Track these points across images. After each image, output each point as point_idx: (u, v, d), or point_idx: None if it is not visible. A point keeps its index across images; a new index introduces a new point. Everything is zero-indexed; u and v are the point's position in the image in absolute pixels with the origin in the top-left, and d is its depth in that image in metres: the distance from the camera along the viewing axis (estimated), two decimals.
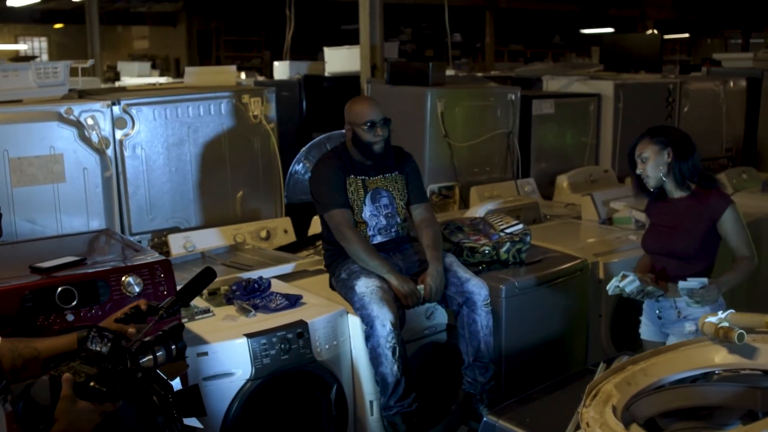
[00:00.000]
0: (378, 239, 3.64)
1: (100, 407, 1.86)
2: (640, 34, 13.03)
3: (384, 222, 3.65)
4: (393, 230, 3.68)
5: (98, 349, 1.92)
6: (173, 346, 1.99)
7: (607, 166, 5.99)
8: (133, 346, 1.94)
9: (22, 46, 16.94)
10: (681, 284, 3.08)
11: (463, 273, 3.57)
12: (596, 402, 2.05)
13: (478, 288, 3.52)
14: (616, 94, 5.95)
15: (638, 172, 3.28)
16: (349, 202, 3.60)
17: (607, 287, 3.20)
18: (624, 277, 3.15)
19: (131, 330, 2.04)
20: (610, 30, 15.29)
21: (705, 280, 3.06)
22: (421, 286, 3.47)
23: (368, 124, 3.57)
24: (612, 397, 2.06)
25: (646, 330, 3.43)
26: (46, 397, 1.89)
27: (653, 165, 3.22)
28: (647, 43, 9.33)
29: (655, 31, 13.91)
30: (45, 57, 16.82)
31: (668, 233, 3.28)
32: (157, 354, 1.96)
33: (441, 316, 3.66)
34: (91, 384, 1.84)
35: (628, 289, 3.14)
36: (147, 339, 1.97)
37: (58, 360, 1.98)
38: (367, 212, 3.62)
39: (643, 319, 3.45)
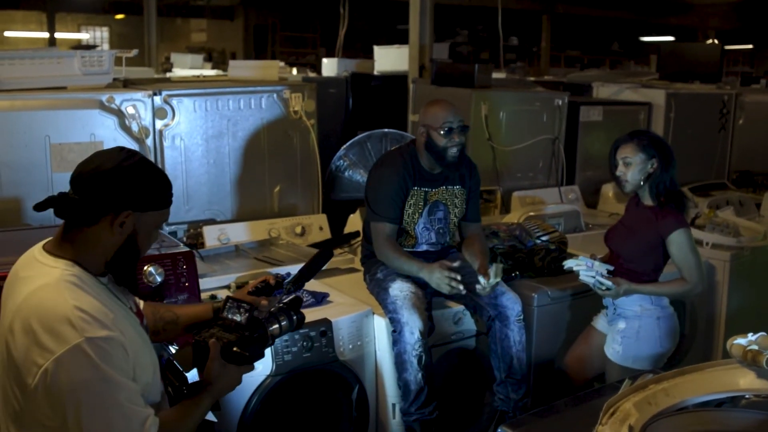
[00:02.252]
0: (423, 248, 3.59)
1: (241, 369, 2.07)
2: (700, 44, 12.73)
3: (434, 238, 3.58)
4: (440, 245, 3.62)
5: (236, 318, 2.10)
6: (294, 317, 2.20)
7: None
8: (263, 315, 2.14)
9: (84, 36, 17.30)
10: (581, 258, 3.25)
11: (499, 286, 3.47)
12: (613, 420, 1.99)
13: (511, 303, 3.44)
14: (668, 104, 5.81)
15: (618, 174, 3.30)
16: (405, 214, 3.51)
17: (564, 263, 3.31)
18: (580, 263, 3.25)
19: (264, 302, 2.22)
20: (670, 39, 14.98)
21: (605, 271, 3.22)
22: (482, 278, 3.29)
23: (446, 128, 3.41)
24: (630, 417, 1.99)
25: (597, 318, 3.53)
26: (188, 364, 2.08)
27: (635, 171, 3.24)
28: (707, 53, 9.09)
29: (716, 41, 13.58)
30: (106, 46, 17.14)
31: (623, 234, 3.37)
32: (282, 323, 2.17)
33: (469, 322, 3.60)
34: (234, 349, 2.03)
35: (581, 279, 3.25)
36: (272, 310, 2.19)
37: (196, 327, 2.22)
38: (420, 225, 3.54)
39: (603, 310, 3.52)
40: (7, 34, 16.07)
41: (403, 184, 3.47)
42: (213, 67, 9.98)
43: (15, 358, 1.81)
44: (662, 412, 2.05)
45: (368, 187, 3.59)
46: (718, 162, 6.24)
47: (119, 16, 16.91)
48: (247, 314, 2.10)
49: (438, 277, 3.29)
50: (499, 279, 3.30)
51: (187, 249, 2.96)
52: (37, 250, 1.97)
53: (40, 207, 1.90)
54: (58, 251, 1.93)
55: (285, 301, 2.25)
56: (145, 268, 2.77)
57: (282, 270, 3.62)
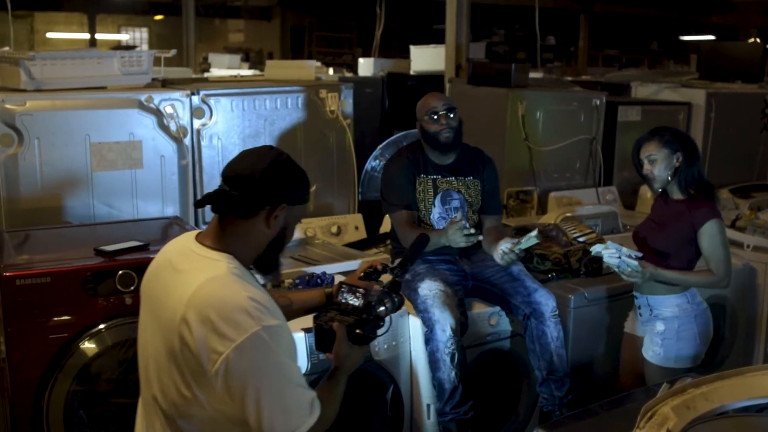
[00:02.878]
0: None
1: (363, 350, 2.19)
2: (741, 43, 12.51)
3: None
4: None
5: (352, 302, 2.22)
6: (395, 299, 2.29)
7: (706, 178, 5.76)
8: (373, 299, 2.23)
9: (124, 36, 17.51)
10: (610, 243, 3.18)
11: (531, 283, 3.48)
12: (651, 424, 1.96)
13: (545, 299, 3.42)
14: (708, 104, 5.71)
15: (645, 173, 3.29)
16: (417, 202, 3.55)
17: (591, 248, 3.25)
18: (608, 248, 3.18)
19: (376, 286, 2.30)
20: (711, 37, 14.76)
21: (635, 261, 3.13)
22: (510, 241, 3.33)
23: (430, 113, 3.53)
24: (668, 421, 1.96)
25: (629, 323, 3.49)
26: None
27: (661, 167, 3.23)
28: (748, 52, 8.91)
29: (758, 40, 13.34)
30: (145, 47, 17.33)
31: (654, 229, 3.34)
32: (387, 306, 2.26)
33: (505, 322, 3.57)
34: (357, 331, 2.15)
35: (606, 261, 3.18)
36: (379, 293, 2.28)
37: (311, 312, 2.37)
38: (435, 214, 3.56)
39: (630, 312, 3.47)
40: (49, 35, 16.34)
41: (408, 172, 3.55)
42: (250, 67, 10.05)
43: (192, 347, 1.89)
44: (701, 417, 2.02)
45: (381, 186, 3.67)
46: (760, 163, 6.13)
47: (158, 17, 17.09)
48: (363, 298, 2.22)
49: (451, 233, 3.30)
50: (528, 245, 3.28)
51: None
52: (191, 243, 2.06)
53: (199, 204, 2.04)
54: (217, 245, 2.03)
55: (387, 284, 2.37)
56: None
57: (318, 269, 3.63)
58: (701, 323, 3.27)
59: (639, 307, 3.35)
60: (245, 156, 2.09)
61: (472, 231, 3.30)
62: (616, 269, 3.17)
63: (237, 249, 2.03)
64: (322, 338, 2.19)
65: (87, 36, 16.31)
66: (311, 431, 1.93)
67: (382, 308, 2.25)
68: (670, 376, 3.06)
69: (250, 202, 2.01)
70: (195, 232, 2.10)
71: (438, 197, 3.56)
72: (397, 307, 2.32)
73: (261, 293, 1.97)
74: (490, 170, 3.70)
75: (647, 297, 3.29)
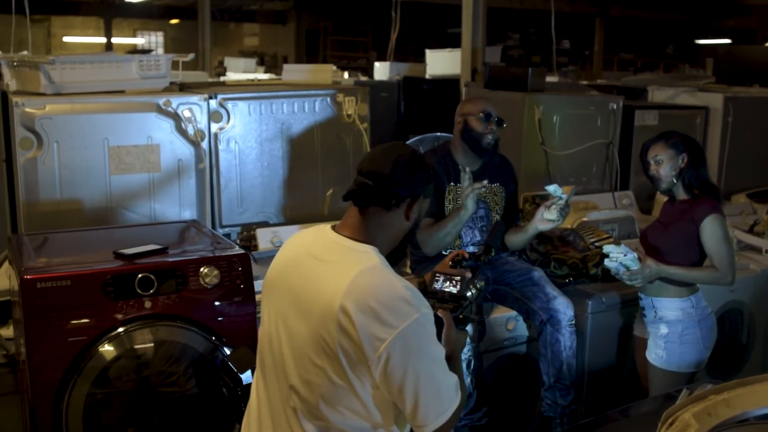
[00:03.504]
0: (470, 249, 3.57)
1: (465, 333, 2.23)
2: (758, 47, 12.44)
3: (478, 237, 3.57)
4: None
5: (449, 289, 2.27)
6: (479, 285, 2.35)
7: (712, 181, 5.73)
8: (464, 285, 2.29)
9: (139, 40, 17.63)
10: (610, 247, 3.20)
11: (551, 290, 3.49)
12: (671, 431, 1.95)
13: (564, 307, 3.42)
14: (726, 108, 5.67)
15: (651, 173, 3.33)
16: (444, 211, 3.52)
17: (604, 248, 3.27)
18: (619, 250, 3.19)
19: (468, 274, 2.33)
20: (727, 41, 14.68)
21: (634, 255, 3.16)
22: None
23: (484, 113, 3.52)
24: (689, 428, 1.95)
25: (637, 326, 3.51)
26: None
27: (667, 168, 3.27)
28: (765, 56, 8.86)
29: None
30: (161, 51, 17.43)
31: (660, 229, 3.39)
32: (473, 290, 2.32)
33: (522, 327, 3.58)
34: (461, 316, 2.21)
35: (606, 265, 3.21)
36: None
37: None
38: None
39: (637, 314, 3.49)
40: (66, 39, 16.46)
41: (438, 179, 3.51)
42: (265, 71, 10.09)
43: (353, 335, 1.93)
44: (723, 424, 2.01)
45: None
46: None
47: (174, 21, 17.19)
48: (459, 285, 2.27)
49: (464, 196, 3.31)
50: (572, 195, 3.41)
51: (243, 251, 2.99)
52: (332, 236, 2.11)
53: (346, 197, 2.12)
54: (361, 236, 2.09)
55: (470, 270, 2.42)
56: (202, 269, 2.80)
57: None
58: (705, 328, 3.27)
59: (644, 309, 3.36)
60: (384, 151, 2.15)
61: (476, 185, 3.31)
62: (616, 273, 3.19)
63: (378, 240, 2.09)
64: None
65: (103, 40, 16.43)
66: (454, 414, 2.00)
67: (470, 293, 2.32)
68: (674, 380, 3.10)
69: (395, 195, 2.08)
70: (329, 225, 2.16)
71: None
72: (481, 290, 2.40)
73: (409, 282, 2.03)
74: (513, 178, 3.74)
75: (652, 299, 3.30)
